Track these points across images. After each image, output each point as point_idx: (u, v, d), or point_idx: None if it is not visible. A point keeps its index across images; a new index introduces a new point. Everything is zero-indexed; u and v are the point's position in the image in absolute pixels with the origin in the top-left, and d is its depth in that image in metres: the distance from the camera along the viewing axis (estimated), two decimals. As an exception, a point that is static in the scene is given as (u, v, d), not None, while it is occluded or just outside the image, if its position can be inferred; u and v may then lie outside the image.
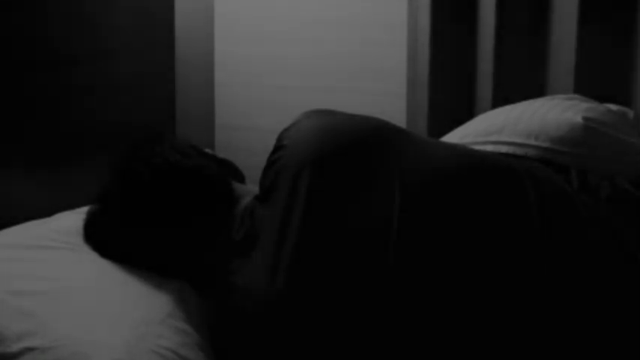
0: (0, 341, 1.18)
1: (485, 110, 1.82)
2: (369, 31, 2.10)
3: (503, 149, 1.42)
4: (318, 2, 2.14)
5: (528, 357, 1.13)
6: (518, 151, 1.40)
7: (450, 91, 1.94)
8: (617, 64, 1.78)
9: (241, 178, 1.43)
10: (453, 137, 1.54)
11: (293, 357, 1.18)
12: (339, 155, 1.25)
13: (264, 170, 1.29)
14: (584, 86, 1.76)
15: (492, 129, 1.47)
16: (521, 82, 1.86)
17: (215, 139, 2.28)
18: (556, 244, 1.17)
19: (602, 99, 1.56)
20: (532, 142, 1.40)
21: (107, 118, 1.91)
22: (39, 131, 1.73)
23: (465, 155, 1.30)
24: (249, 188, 1.37)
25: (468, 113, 1.90)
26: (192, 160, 1.36)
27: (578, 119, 1.41)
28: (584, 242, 1.17)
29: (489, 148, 1.43)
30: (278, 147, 1.29)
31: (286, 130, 1.32)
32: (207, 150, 1.43)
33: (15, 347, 1.17)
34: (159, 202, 1.31)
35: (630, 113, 1.50)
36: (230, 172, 1.41)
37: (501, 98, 1.82)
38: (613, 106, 1.51)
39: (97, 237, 1.36)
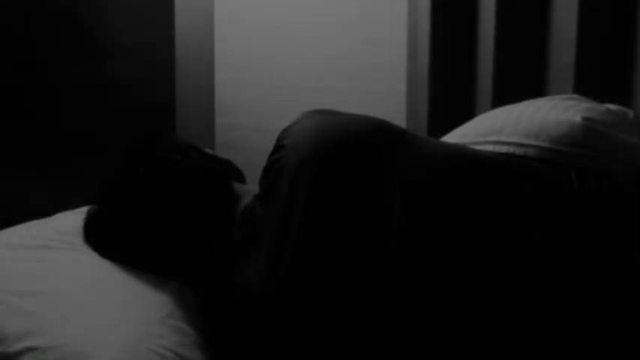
0: (1, 341, 1.18)
1: (485, 110, 1.82)
2: (369, 30, 2.10)
3: (504, 149, 1.42)
4: (318, 2, 2.14)
5: (529, 353, 1.14)
6: (518, 151, 1.40)
7: (450, 91, 1.94)
8: (617, 63, 1.78)
9: (241, 178, 1.43)
10: (453, 137, 1.54)
11: (294, 356, 1.18)
12: (339, 155, 1.25)
13: (264, 170, 1.29)
14: (584, 86, 1.76)
15: (492, 129, 1.47)
16: (521, 82, 1.86)
17: (215, 139, 2.28)
18: (555, 243, 1.17)
19: (602, 99, 1.56)
20: (532, 142, 1.40)
21: (107, 118, 1.91)
22: (39, 131, 1.73)
23: (464, 155, 1.30)
24: (249, 188, 1.37)
25: (467, 113, 1.90)
26: (193, 160, 1.36)
27: (578, 119, 1.41)
28: (583, 242, 1.17)
29: (489, 148, 1.43)
30: (278, 147, 1.29)
31: (286, 129, 1.32)
32: (207, 150, 1.43)
33: (16, 347, 1.17)
34: (159, 203, 1.31)
35: (630, 113, 1.50)
36: (230, 172, 1.41)
37: (501, 98, 1.82)
38: (613, 106, 1.50)
39: (97, 237, 1.36)
